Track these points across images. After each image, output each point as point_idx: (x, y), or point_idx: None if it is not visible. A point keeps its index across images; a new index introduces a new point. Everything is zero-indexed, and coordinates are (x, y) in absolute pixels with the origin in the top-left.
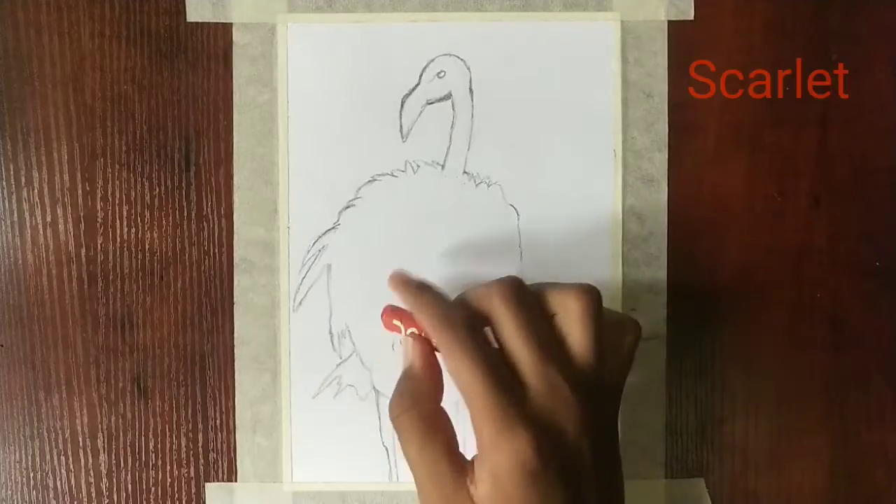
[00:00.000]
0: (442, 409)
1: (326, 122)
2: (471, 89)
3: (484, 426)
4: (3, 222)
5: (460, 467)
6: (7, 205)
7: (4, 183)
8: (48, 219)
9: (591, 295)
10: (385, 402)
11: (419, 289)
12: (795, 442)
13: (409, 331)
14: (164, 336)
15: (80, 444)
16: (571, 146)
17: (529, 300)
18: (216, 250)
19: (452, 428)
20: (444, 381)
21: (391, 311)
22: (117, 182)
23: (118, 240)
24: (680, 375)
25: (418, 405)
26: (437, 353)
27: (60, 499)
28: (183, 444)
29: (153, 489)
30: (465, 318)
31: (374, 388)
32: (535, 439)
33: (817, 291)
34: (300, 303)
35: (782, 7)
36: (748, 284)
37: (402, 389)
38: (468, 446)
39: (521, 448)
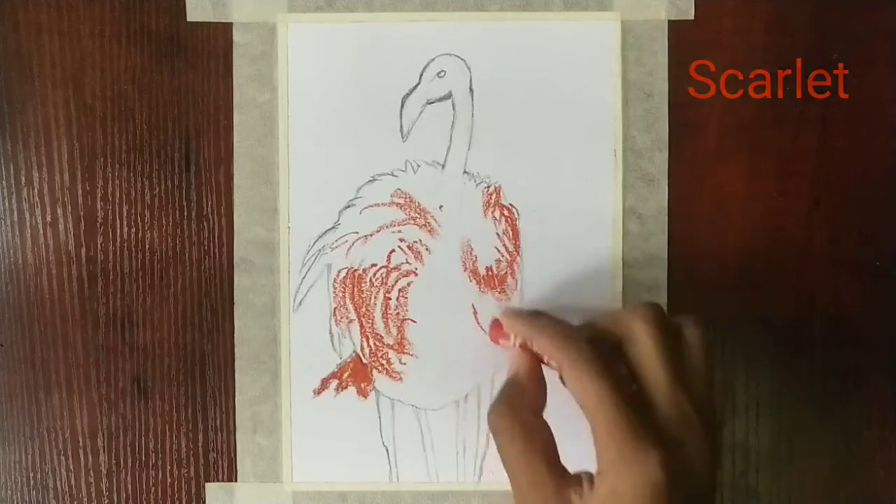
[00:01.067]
0: (543, 419)
1: (326, 122)
2: (471, 89)
3: (610, 440)
4: (3, 222)
5: (562, 476)
6: (7, 205)
7: (4, 183)
8: (48, 219)
9: (704, 325)
10: (385, 403)
11: (535, 314)
12: (795, 442)
13: (518, 342)
14: (164, 336)
15: (80, 444)
16: (571, 146)
17: (670, 326)
18: (216, 250)
19: (553, 439)
20: (546, 394)
21: (498, 329)
22: (117, 182)
23: (118, 240)
24: None
25: (520, 412)
26: (543, 366)
27: (60, 499)
28: (183, 444)
29: (153, 489)
30: (589, 336)
31: (374, 388)
32: (665, 460)
33: (817, 291)
34: (300, 303)
35: (782, 7)
36: (748, 284)
37: (505, 396)
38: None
39: (652, 468)
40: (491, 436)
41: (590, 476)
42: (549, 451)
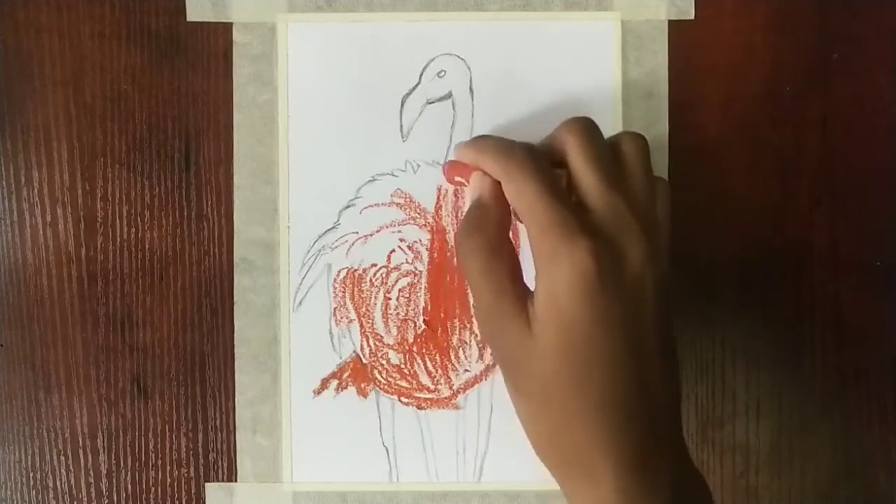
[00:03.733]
0: (508, 239)
1: (326, 122)
2: (471, 89)
3: (543, 239)
4: (3, 222)
5: (521, 292)
6: (7, 205)
7: (4, 183)
8: (48, 219)
9: (644, 140)
10: (385, 403)
11: (480, 137)
12: (795, 442)
13: (475, 172)
14: (164, 336)
15: (80, 444)
16: None
17: (598, 133)
18: (216, 250)
19: (517, 257)
20: (510, 217)
21: (453, 165)
22: (117, 182)
23: (118, 240)
24: (680, 375)
25: (484, 230)
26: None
27: (60, 499)
28: (183, 444)
29: (153, 489)
30: (526, 146)
31: (374, 387)
32: (595, 249)
33: (817, 291)
34: (300, 303)
35: (782, 7)
36: (748, 284)
37: (468, 217)
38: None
39: (580, 257)
40: (466, 280)
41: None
42: (512, 267)
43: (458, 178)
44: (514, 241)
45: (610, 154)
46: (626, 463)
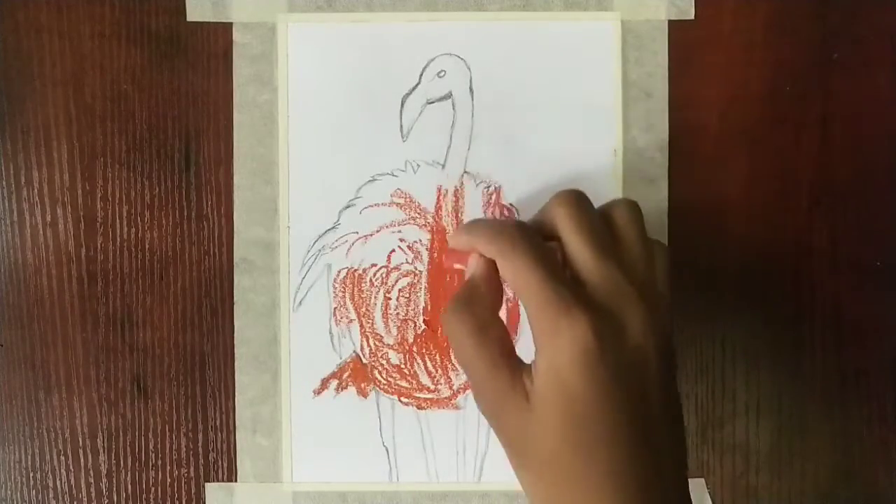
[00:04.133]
0: (498, 317)
1: (326, 122)
2: (471, 89)
3: (542, 316)
4: (3, 222)
5: (516, 366)
6: (7, 205)
7: (4, 183)
8: (48, 219)
9: (637, 206)
10: (385, 403)
11: (473, 221)
12: (795, 442)
13: (472, 255)
14: (164, 336)
15: (80, 444)
16: (571, 146)
17: (587, 203)
18: (216, 250)
19: (508, 334)
20: (501, 297)
21: (450, 253)
22: (117, 182)
23: (118, 240)
24: (680, 375)
25: (472, 307)
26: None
27: (60, 499)
28: (183, 444)
29: (153, 489)
30: (520, 225)
31: (374, 387)
32: (595, 322)
33: (817, 291)
34: (300, 303)
35: (782, 7)
36: (748, 284)
37: (457, 295)
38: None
39: (581, 332)
40: (454, 357)
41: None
42: (503, 342)
43: (456, 266)
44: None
45: (602, 224)
46: None
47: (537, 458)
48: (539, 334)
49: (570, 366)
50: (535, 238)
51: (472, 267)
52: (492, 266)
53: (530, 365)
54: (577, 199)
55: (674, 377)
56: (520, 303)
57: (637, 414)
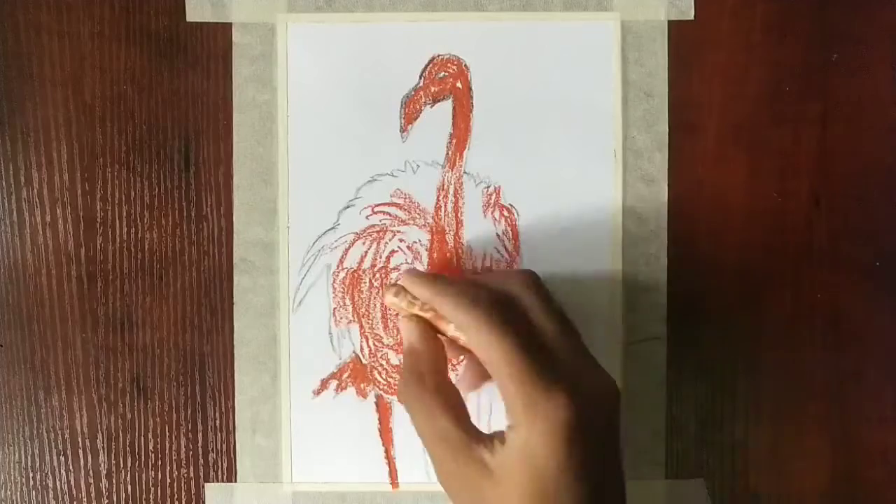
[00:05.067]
0: (450, 381)
1: (326, 122)
2: (471, 89)
3: (518, 391)
4: (2, 222)
5: (472, 434)
6: (7, 205)
7: (4, 183)
8: (48, 219)
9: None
10: (384, 403)
11: (436, 277)
12: (795, 442)
13: (411, 311)
14: (163, 336)
15: (80, 444)
16: (571, 146)
17: (543, 286)
18: (216, 250)
19: (462, 400)
20: (446, 356)
21: (398, 290)
22: (117, 182)
23: (118, 240)
24: (680, 375)
25: (423, 380)
26: (438, 334)
27: (60, 499)
28: (182, 445)
29: (153, 489)
30: (489, 295)
31: (374, 388)
32: (571, 401)
33: (817, 291)
34: (300, 303)
35: (782, 7)
36: (748, 284)
37: (404, 365)
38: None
39: (561, 410)
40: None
41: (501, 434)
42: (456, 410)
43: (397, 301)
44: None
45: (557, 303)
46: None
47: None
48: (513, 409)
49: (546, 444)
50: (510, 313)
51: (406, 332)
52: (429, 328)
53: (489, 436)
54: (535, 280)
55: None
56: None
57: (600, 484)
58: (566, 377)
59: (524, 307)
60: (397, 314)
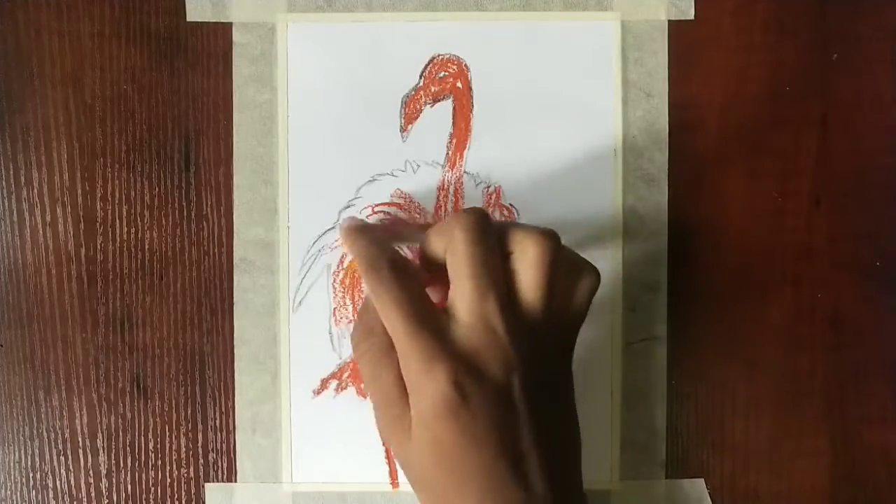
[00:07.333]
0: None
1: (326, 122)
2: (471, 89)
3: (409, 366)
4: (3, 222)
5: (407, 399)
6: (7, 205)
7: (4, 183)
8: (48, 219)
9: (549, 240)
10: None
11: (357, 231)
12: (795, 442)
13: None
14: (163, 336)
15: (80, 444)
16: (571, 146)
17: (488, 234)
18: (216, 250)
19: None
20: None
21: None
22: (117, 182)
23: (118, 240)
24: (680, 375)
25: (372, 336)
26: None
27: (60, 499)
28: (183, 444)
29: (153, 489)
30: (391, 260)
31: None
32: (454, 374)
33: (817, 291)
34: (300, 303)
35: (782, 7)
36: (748, 284)
37: (358, 321)
38: None
39: (441, 384)
40: None
41: None
42: (398, 371)
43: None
44: None
45: (494, 257)
46: None
47: (419, 483)
48: (407, 381)
49: (434, 417)
50: (409, 281)
51: (366, 288)
52: None
53: None
54: (474, 225)
55: (560, 412)
56: None
57: (505, 449)
58: (455, 348)
59: (450, 257)
60: None
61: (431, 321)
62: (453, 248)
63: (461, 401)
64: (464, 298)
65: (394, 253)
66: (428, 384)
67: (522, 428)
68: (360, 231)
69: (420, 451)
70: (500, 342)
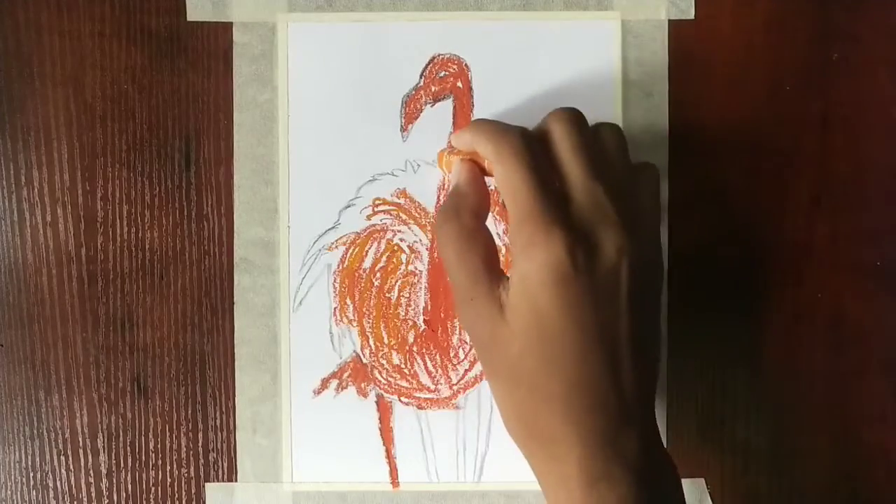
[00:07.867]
0: (484, 226)
1: (326, 122)
2: (471, 89)
3: (522, 226)
4: (3, 222)
5: (496, 277)
6: (7, 204)
7: (4, 183)
8: (48, 218)
9: (620, 130)
10: (385, 402)
11: (478, 120)
12: (795, 442)
13: (456, 159)
14: (164, 336)
15: (80, 444)
16: None
17: (586, 125)
18: (216, 250)
19: (494, 244)
20: (489, 201)
21: (449, 152)
22: (117, 182)
23: (118, 239)
24: (680, 375)
25: (459, 216)
26: (485, 177)
27: (60, 499)
28: (183, 444)
29: (153, 489)
30: (521, 131)
31: (374, 387)
32: (570, 243)
33: (817, 291)
34: (300, 303)
35: (782, 7)
36: (748, 284)
37: (446, 203)
38: None
39: (556, 249)
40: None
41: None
42: (487, 252)
43: (451, 158)
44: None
45: (595, 144)
46: (591, 443)
47: (506, 367)
48: (515, 246)
49: (541, 282)
50: (535, 147)
51: (455, 174)
52: (477, 173)
53: (508, 277)
54: (574, 117)
55: (650, 302)
56: None
57: (603, 333)
58: (572, 220)
59: (555, 146)
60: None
61: (554, 191)
62: (556, 137)
63: (573, 271)
64: (577, 180)
65: (522, 129)
66: (543, 247)
67: (624, 317)
68: (479, 119)
69: (513, 325)
70: (613, 221)
